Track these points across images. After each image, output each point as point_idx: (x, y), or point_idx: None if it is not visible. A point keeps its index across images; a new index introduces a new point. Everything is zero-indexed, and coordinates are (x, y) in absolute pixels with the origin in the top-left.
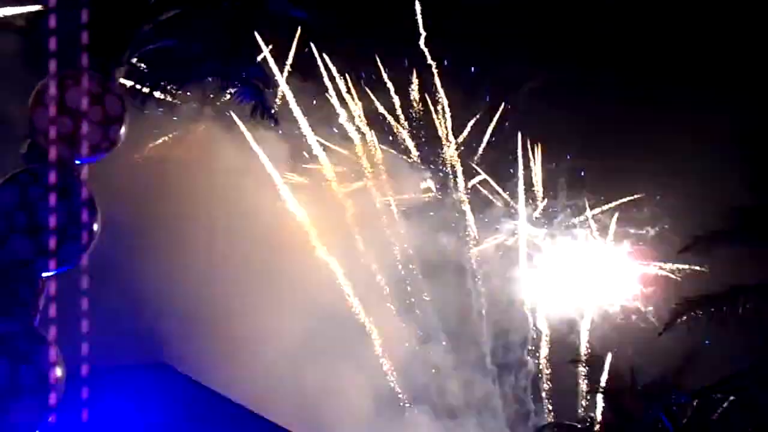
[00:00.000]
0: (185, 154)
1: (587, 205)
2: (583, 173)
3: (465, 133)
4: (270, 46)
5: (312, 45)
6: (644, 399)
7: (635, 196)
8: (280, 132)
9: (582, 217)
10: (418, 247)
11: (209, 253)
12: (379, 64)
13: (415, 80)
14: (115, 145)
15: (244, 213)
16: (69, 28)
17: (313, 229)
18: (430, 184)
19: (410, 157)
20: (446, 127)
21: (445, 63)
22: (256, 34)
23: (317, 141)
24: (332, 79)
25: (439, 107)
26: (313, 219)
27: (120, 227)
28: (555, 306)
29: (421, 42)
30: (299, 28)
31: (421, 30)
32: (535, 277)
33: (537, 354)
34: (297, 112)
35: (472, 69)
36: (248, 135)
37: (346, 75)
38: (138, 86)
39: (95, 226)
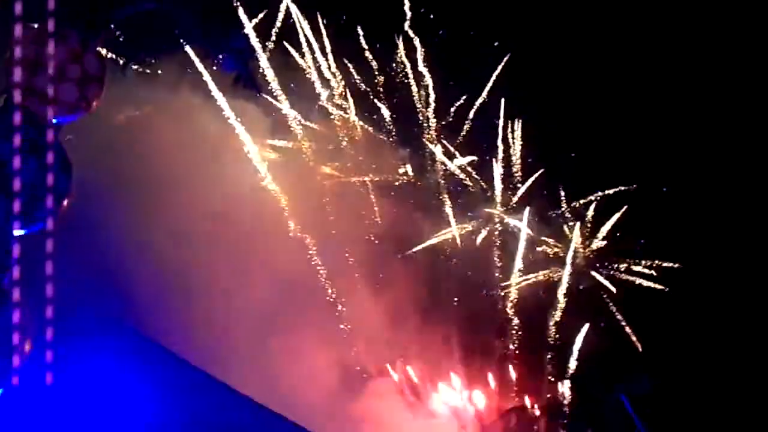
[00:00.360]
0: (161, 123)
1: (563, 196)
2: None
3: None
4: (256, 20)
5: (297, 18)
6: (608, 384)
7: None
8: (259, 106)
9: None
10: (393, 228)
11: (180, 223)
12: (363, 42)
13: (399, 60)
14: (92, 105)
15: (217, 185)
16: None
17: (287, 204)
18: (408, 165)
19: (390, 137)
20: (428, 109)
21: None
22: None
23: (296, 117)
24: (314, 55)
25: (422, 90)
26: (287, 194)
27: (91, 191)
28: (526, 292)
29: (407, 24)
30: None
31: (407, 10)
32: (509, 263)
33: (505, 338)
34: (276, 86)
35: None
36: (225, 105)
37: (329, 52)
38: (118, 52)
39: (68, 187)
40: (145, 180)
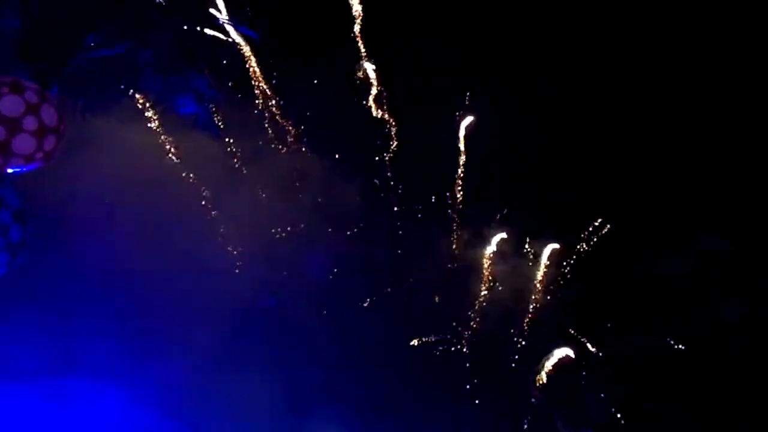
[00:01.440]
0: (118, 164)
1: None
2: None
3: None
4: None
5: (253, 62)
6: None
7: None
8: (217, 147)
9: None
10: (348, 258)
11: (130, 256)
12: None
13: (358, 98)
14: (50, 156)
15: (166, 216)
16: (9, 35)
17: (237, 234)
18: (366, 196)
19: (347, 167)
20: (388, 152)
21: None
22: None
23: (254, 157)
24: (267, 99)
25: (380, 129)
26: (238, 223)
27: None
28: (483, 325)
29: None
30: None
31: (362, 48)
32: (466, 297)
33: (461, 374)
34: (234, 127)
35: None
36: (182, 146)
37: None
38: (76, 95)
39: (25, 238)
40: (99, 222)
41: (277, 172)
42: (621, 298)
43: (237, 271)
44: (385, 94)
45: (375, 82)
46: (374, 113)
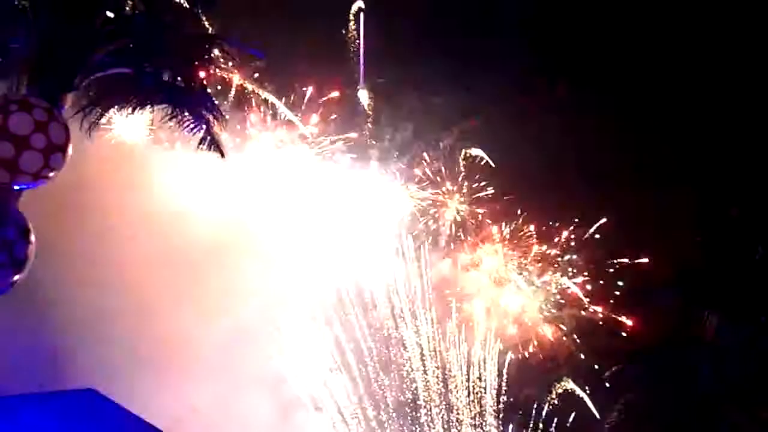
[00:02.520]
0: (112, 173)
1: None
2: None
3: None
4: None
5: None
6: None
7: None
8: (223, 168)
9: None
10: (341, 275)
11: (127, 273)
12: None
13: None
14: (55, 173)
15: (167, 230)
16: (18, 53)
17: (235, 250)
18: (364, 211)
19: (347, 182)
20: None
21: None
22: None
23: (258, 175)
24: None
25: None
26: (238, 240)
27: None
28: (475, 348)
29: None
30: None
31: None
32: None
33: (455, 395)
34: (238, 147)
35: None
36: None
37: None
38: (87, 111)
39: (28, 255)
40: (105, 234)
41: (275, 188)
42: None
43: (236, 280)
44: (381, 117)
45: (371, 108)
46: (371, 138)
